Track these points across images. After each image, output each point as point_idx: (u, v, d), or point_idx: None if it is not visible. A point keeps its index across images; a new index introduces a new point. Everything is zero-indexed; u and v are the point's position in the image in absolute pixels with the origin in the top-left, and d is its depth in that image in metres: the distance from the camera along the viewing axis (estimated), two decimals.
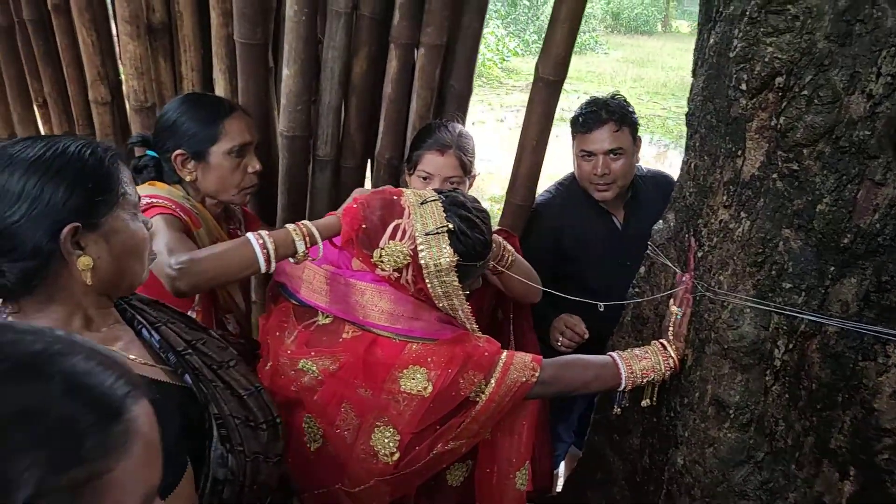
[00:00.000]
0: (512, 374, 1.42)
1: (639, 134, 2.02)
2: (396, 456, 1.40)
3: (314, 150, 2.04)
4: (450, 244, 1.36)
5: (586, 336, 1.93)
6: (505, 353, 1.45)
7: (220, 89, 2.02)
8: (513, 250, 1.62)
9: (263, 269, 1.35)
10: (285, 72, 1.89)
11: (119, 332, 1.06)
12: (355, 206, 1.42)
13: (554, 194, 2.14)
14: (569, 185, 2.13)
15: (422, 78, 1.95)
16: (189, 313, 1.51)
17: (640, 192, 2.08)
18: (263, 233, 1.37)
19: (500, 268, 1.60)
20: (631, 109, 1.99)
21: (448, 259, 1.36)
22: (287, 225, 1.41)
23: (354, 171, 2.09)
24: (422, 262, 1.36)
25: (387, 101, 1.98)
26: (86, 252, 0.97)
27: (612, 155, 1.94)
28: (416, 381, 1.38)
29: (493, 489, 1.59)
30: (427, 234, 1.36)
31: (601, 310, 1.63)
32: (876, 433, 1.20)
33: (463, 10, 1.94)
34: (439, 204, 1.40)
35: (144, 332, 1.10)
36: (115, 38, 2.27)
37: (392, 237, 1.38)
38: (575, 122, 2.00)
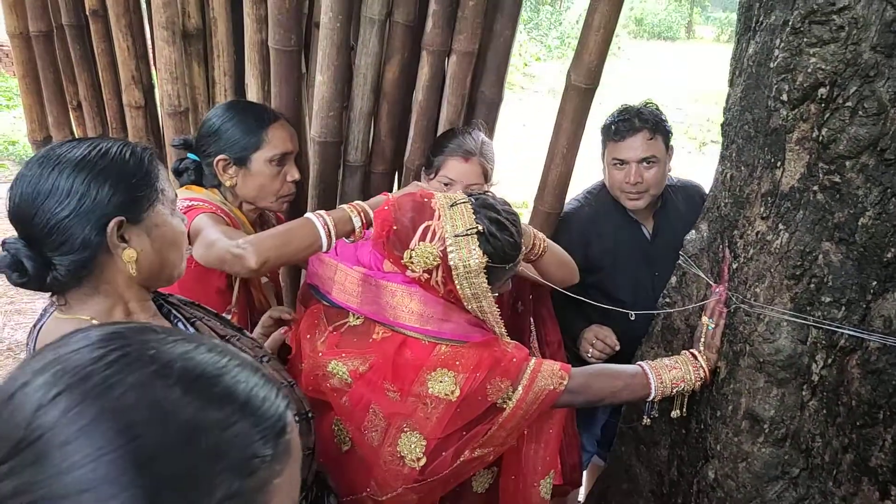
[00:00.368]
0: (540, 382, 1.41)
1: (671, 143, 2.00)
2: (423, 461, 1.40)
3: (345, 156, 2.05)
4: (479, 245, 1.37)
5: (617, 348, 1.91)
6: (533, 360, 1.45)
7: (252, 94, 2.04)
8: (544, 237, 1.61)
9: (325, 245, 1.42)
10: (318, 78, 1.90)
11: (157, 320, 1.11)
12: (386, 208, 1.44)
13: (582, 203, 2.13)
14: (597, 194, 2.11)
15: (453, 85, 1.95)
16: (225, 315, 1.54)
17: (669, 201, 2.06)
18: (321, 212, 1.43)
19: (533, 258, 1.60)
20: (664, 117, 1.97)
21: (477, 260, 1.37)
22: (341, 205, 1.47)
23: (384, 177, 2.10)
24: (451, 263, 1.37)
25: (418, 108, 1.99)
26: (130, 245, 1.03)
27: (645, 163, 1.92)
28: (443, 385, 1.39)
29: (517, 497, 1.58)
30: (457, 236, 1.37)
31: (632, 319, 1.62)
32: None
33: (495, 17, 1.94)
34: (469, 206, 1.41)
35: (181, 325, 1.15)
36: (150, 44, 2.30)
37: (422, 238, 1.39)
38: (607, 130, 1.98)
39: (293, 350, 1.59)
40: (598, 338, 1.92)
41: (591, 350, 1.92)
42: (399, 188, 2.19)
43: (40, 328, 1.08)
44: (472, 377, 1.38)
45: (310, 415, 1.21)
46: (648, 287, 1.95)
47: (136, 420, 0.47)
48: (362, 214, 1.47)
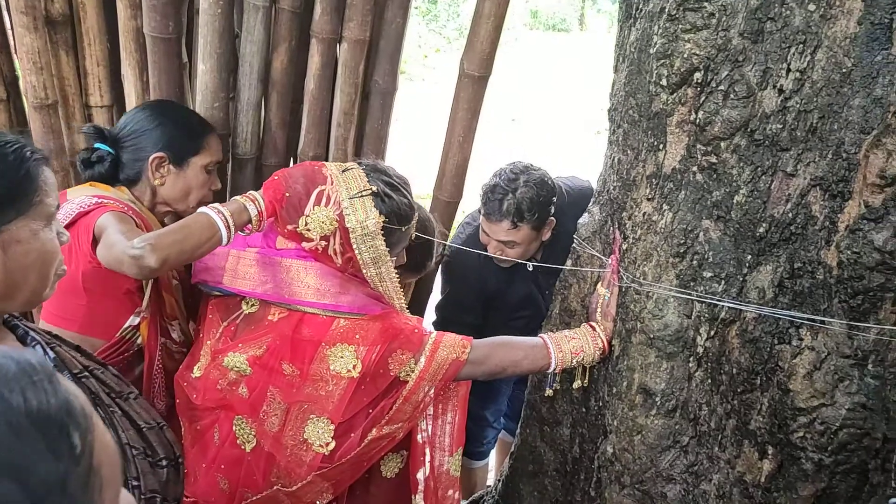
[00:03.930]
0: (442, 352, 1.43)
1: (551, 217, 1.98)
2: (332, 446, 1.40)
3: (233, 149, 1.96)
4: (375, 206, 1.39)
5: None
6: (435, 332, 1.47)
7: (129, 85, 1.91)
8: None
9: (224, 237, 1.36)
10: (200, 67, 1.81)
11: (9, 344, 0.96)
12: (276, 178, 1.43)
13: (472, 236, 2.11)
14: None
15: (345, 74, 1.91)
16: (136, 318, 1.49)
17: (558, 226, 2.04)
18: (215, 204, 1.39)
19: None
20: (538, 200, 1.91)
21: (374, 220, 1.38)
22: (234, 197, 1.44)
23: (276, 169, 2.02)
24: (348, 225, 1.37)
25: (309, 98, 1.93)
26: None
27: (505, 244, 1.97)
28: (344, 361, 1.39)
29: (426, 477, 1.59)
30: (352, 198, 1.38)
31: (530, 269, 1.84)
32: (792, 413, 1.27)
33: (386, 4, 1.91)
34: (361, 170, 1.43)
35: (39, 349, 1.00)
36: (10, 31, 2.11)
37: (317, 203, 1.38)
38: (481, 196, 1.99)
39: (190, 358, 1.53)
40: None
41: None
42: None
43: None
44: (372, 350, 1.39)
45: (180, 460, 1.10)
46: (540, 301, 2.13)
47: None
48: (256, 202, 1.43)
